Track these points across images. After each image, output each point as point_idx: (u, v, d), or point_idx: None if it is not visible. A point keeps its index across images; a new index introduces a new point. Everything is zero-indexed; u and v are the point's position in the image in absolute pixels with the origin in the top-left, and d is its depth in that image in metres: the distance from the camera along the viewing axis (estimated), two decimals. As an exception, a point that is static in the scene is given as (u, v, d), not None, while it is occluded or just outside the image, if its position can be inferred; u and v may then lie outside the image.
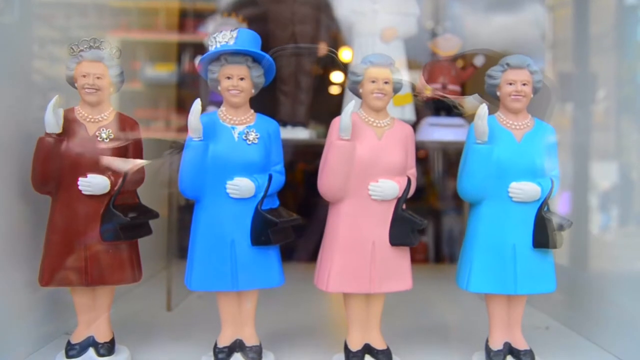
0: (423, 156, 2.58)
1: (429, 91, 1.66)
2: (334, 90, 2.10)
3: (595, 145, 1.40)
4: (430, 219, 2.51)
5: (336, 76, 2.07)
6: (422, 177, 2.54)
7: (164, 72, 2.07)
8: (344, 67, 1.53)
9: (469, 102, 1.23)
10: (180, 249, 1.68)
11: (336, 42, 1.81)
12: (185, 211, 1.59)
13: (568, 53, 1.56)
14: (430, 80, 1.70)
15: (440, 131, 1.61)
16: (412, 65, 1.73)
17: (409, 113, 1.61)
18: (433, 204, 2.52)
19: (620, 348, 1.25)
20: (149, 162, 1.19)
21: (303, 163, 2.40)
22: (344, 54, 1.81)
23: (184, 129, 1.12)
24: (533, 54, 1.59)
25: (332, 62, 1.72)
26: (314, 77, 1.68)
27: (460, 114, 1.58)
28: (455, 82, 1.66)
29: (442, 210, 2.50)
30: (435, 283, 1.93)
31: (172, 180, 1.64)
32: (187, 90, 2.05)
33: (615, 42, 1.33)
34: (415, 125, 1.66)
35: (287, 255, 1.32)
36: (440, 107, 1.67)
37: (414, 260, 2.44)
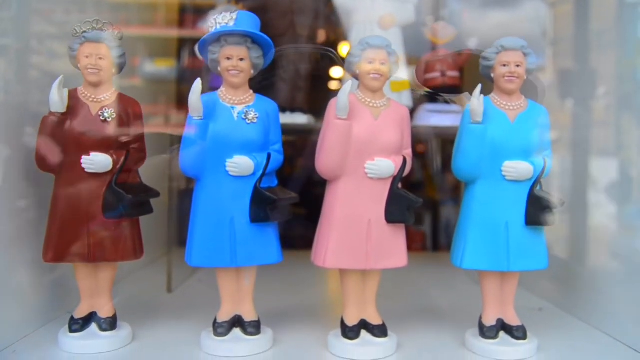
0: (422, 150, 2.61)
1: (424, 90, 1.68)
2: (334, 85, 2.12)
3: (595, 142, 1.41)
4: (429, 209, 2.54)
5: (335, 71, 2.09)
6: (421, 170, 2.58)
7: (164, 67, 2.07)
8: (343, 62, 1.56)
9: (466, 98, 1.25)
10: (180, 235, 1.71)
11: (336, 33, 1.84)
12: (185, 199, 1.62)
13: (568, 50, 1.56)
14: (428, 69, 1.72)
15: (437, 117, 1.63)
16: (412, 61, 1.76)
17: (407, 99, 1.64)
18: (431, 194, 2.55)
19: (612, 326, 1.28)
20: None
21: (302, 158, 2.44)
22: (343, 49, 1.84)
23: (183, 124, 1.15)
24: (533, 50, 1.61)
25: (331, 60, 1.73)
26: (313, 65, 1.70)
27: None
28: (453, 68, 1.69)
29: (440, 200, 2.53)
30: (432, 269, 1.97)
31: (173, 172, 1.68)
32: (186, 85, 2.04)
33: (616, 39, 1.34)
34: (413, 112, 1.68)
35: (289, 243, 1.35)
36: (438, 95, 1.69)
37: (412, 248, 2.48)
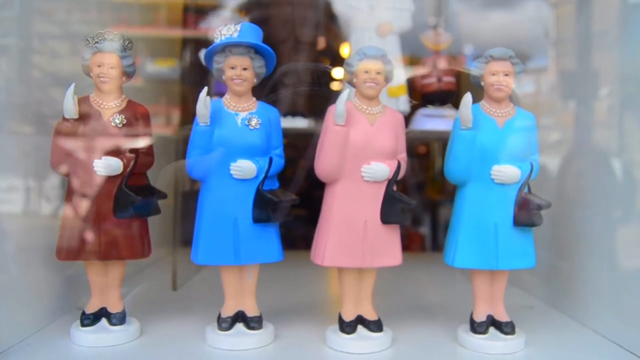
0: (423, 152, 2.67)
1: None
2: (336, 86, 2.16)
3: (597, 143, 1.43)
4: (428, 210, 2.60)
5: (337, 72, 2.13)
6: (422, 172, 2.64)
7: (166, 67, 2.10)
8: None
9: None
10: (185, 235, 1.77)
11: (336, 39, 1.89)
12: (189, 201, 1.67)
13: (571, 50, 1.58)
14: (425, 76, 1.78)
15: (433, 121, 1.68)
16: (412, 62, 1.81)
17: (403, 104, 1.69)
18: (431, 196, 2.61)
19: (599, 323, 1.33)
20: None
21: (304, 160, 2.48)
22: (345, 50, 1.89)
23: (185, 124, 1.20)
24: (535, 51, 1.65)
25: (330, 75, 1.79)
26: (313, 70, 1.76)
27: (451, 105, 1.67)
28: (449, 73, 1.75)
29: (438, 202, 2.59)
30: (429, 269, 2.02)
31: (177, 176, 1.73)
32: (188, 85, 2.04)
33: (618, 39, 1.35)
34: (410, 116, 1.74)
35: (290, 243, 1.41)
36: (434, 100, 1.75)
37: (412, 249, 2.52)
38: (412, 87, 1.76)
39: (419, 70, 1.77)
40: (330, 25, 1.83)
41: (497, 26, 1.81)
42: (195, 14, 2.08)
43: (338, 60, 1.78)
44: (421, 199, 2.55)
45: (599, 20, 1.44)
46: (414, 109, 1.71)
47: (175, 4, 2.14)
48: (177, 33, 2.13)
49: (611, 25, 1.39)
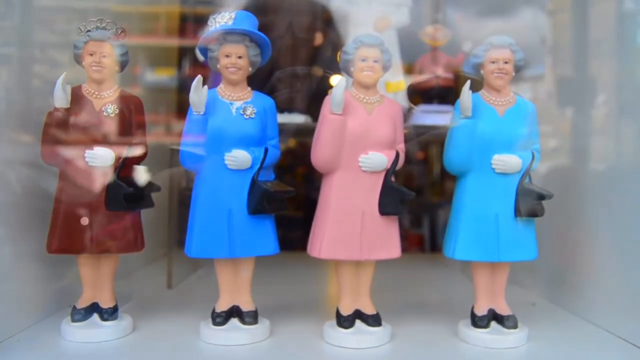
0: (422, 157, 2.66)
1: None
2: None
3: (594, 150, 1.42)
4: (426, 211, 2.58)
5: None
6: (422, 176, 2.62)
7: (165, 76, 2.09)
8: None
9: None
10: (179, 235, 1.74)
11: (332, 46, 1.88)
12: (184, 199, 1.65)
13: (568, 57, 1.58)
14: (423, 71, 1.76)
15: (432, 117, 1.66)
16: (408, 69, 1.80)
17: (402, 100, 1.68)
18: (429, 198, 2.59)
19: (603, 319, 1.31)
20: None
21: (302, 167, 2.48)
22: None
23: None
24: (532, 58, 1.64)
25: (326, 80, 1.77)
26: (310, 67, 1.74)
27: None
28: (448, 70, 1.73)
29: (437, 203, 2.57)
30: (429, 269, 2.00)
31: (173, 174, 1.71)
32: (187, 94, 2.06)
33: (615, 47, 1.35)
34: (408, 113, 1.72)
35: (288, 246, 1.39)
36: (432, 96, 1.74)
37: (410, 250, 2.50)
38: (413, 90, 1.75)
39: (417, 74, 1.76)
40: (327, 30, 1.81)
41: (494, 34, 1.80)
42: (194, 23, 2.08)
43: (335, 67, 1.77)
44: (420, 201, 2.53)
45: (595, 28, 1.44)
46: (419, 98, 1.70)
47: (173, 14, 2.15)
48: (176, 42, 2.13)
49: (607, 32, 1.39)
